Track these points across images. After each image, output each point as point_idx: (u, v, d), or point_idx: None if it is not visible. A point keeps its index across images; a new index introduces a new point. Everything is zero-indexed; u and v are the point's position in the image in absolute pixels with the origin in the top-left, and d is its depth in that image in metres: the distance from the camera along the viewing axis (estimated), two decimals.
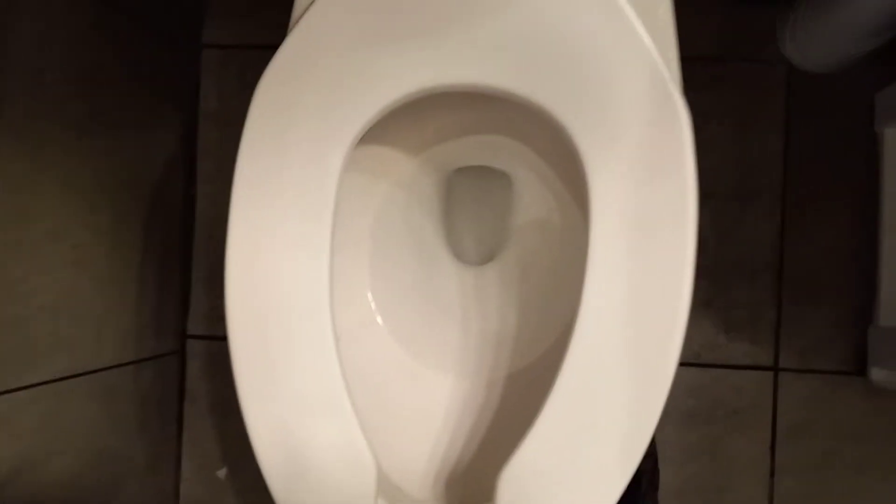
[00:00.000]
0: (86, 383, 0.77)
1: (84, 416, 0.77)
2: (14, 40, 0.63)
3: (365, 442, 0.55)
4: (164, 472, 0.96)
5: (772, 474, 0.91)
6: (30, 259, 0.67)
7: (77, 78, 0.73)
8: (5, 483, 0.65)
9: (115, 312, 0.82)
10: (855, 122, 0.90)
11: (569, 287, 0.57)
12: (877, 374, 0.86)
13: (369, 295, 0.70)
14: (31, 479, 0.69)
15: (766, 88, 0.93)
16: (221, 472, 0.99)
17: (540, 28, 0.53)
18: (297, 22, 0.56)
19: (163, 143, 0.93)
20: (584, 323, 0.53)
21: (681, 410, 0.93)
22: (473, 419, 0.66)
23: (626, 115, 0.53)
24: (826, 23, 0.87)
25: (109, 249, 0.80)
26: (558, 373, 0.54)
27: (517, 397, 0.65)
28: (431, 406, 0.67)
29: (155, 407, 0.93)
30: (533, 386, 0.61)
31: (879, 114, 0.87)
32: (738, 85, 0.93)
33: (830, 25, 0.87)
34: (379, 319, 0.71)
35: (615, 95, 0.53)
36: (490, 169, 0.74)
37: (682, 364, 0.91)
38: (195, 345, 1.01)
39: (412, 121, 0.68)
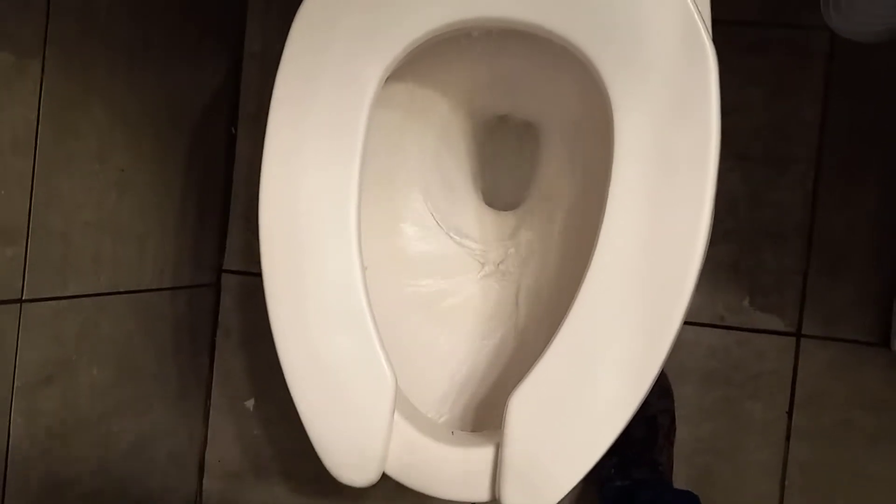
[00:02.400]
0: (125, 301, 0.81)
1: (121, 332, 0.81)
2: None
3: (384, 357, 0.57)
4: (193, 398, 1.00)
5: (787, 438, 0.91)
6: (77, 175, 0.71)
7: (128, 4, 0.75)
8: (44, 383, 0.69)
9: (155, 238, 0.86)
10: (894, 95, 0.89)
11: (588, 233, 0.58)
12: None
13: (401, 226, 0.72)
14: (67, 383, 0.73)
15: (806, 55, 0.91)
16: (249, 403, 1.03)
17: None
18: None
19: (207, 80, 0.96)
20: (600, 256, 0.55)
21: (701, 371, 0.94)
22: (492, 351, 0.68)
23: (655, 55, 0.54)
24: None
25: (151, 177, 0.84)
26: (572, 303, 0.55)
27: (534, 334, 0.67)
28: (453, 337, 0.69)
29: (188, 334, 0.97)
30: (552, 323, 0.63)
31: None
32: (779, 50, 0.92)
33: None
34: (407, 251, 0.73)
35: (645, 35, 0.54)
36: (518, 118, 0.75)
37: (705, 325, 0.93)
38: (230, 279, 1.04)
39: (446, 62, 0.69)
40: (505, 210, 0.77)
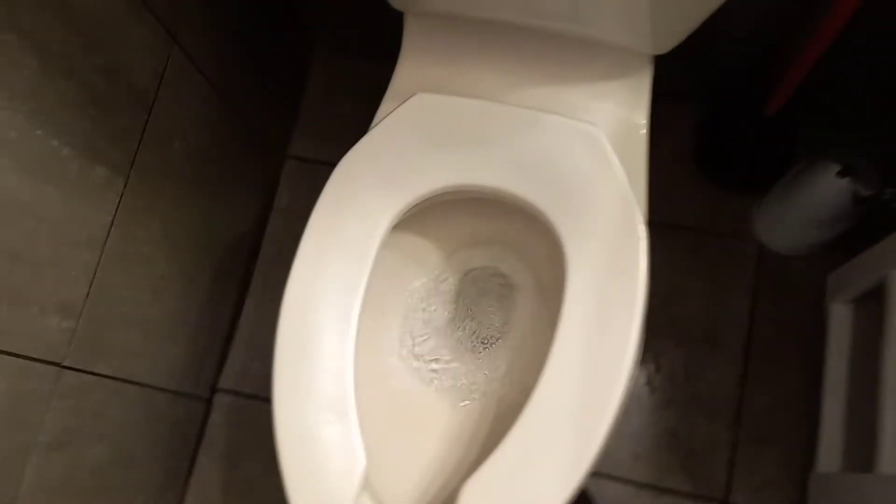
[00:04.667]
0: (136, 392, 0.92)
1: (128, 418, 0.91)
2: (156, 109, 0.86)
3: (360, 443, 0.68)
4: (170, 500, 1.07)
5: None
6: (127, 274, 0.86)
7: (193, 151, 0.95)
8: (57, 447, 0.79)
9: (172, 343, 0.98)
10: (812, 297, 1.07)
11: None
12: None
13: (386, 358, 0.86)
14: (76, 453, 0.82)
15: (739, 259, 1.11)
16: None
17: (543, 154, 0.73)
18: (373, 126, 0.77)
19: (239, 222, 1.13)
20: (546, 378, 0.68)
21: None
22: (459, 454, 0.79)
23: (600, 225, 0.71)
24: (788, 213, 1.07)
25: (181, 289, 0.98)
26: (521, 414, 0.68)
27: (496, 442, 0.78)
28: (426, 442, 0.80)
29: (179, 438, 1.07)
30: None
31: (829, 291, 1.04)
32: (715, 253, 1.12)
33: (791, 215, 1.07)
34: (389, 381, 0.86)
35: (593, 209, 0.72)
36: (497, 272, 0.92)
37: (642, 485, 1.03)
38: (222, 397, 1.15)
39: (442, 222, 0.87)
40: (479, 349, 0.91)
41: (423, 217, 0.81)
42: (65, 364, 0.77)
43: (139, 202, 0.85)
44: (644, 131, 0.77)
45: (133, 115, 0.81)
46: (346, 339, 0.72)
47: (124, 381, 0.89)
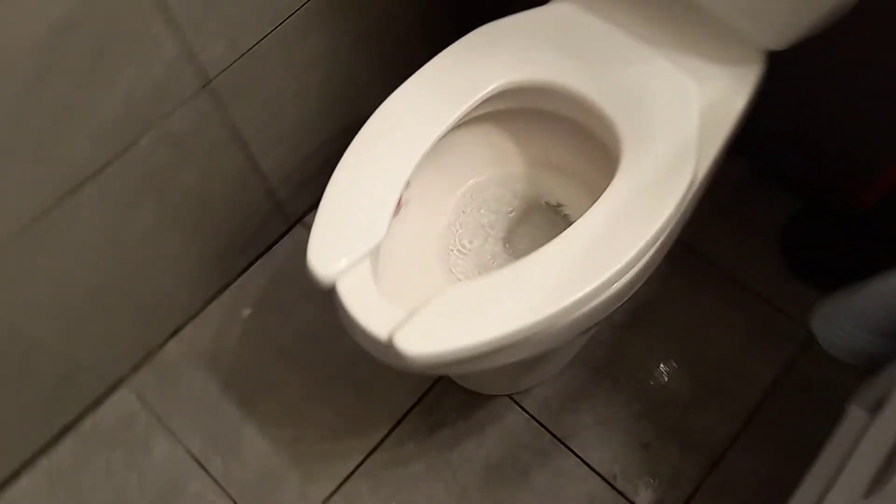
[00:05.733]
0: (244, 158, 1.09)
1: (228, 170, 1.08)
2: None
3: (386, 224, 0.80)
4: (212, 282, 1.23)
5: None
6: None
7: None
8: (166, 141, 0.96)
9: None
10: (837, 395, 1.06)
11: None
12: None
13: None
14: (176, 155, 1.00)
15: (783, 336, 1.12)
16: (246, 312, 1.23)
17: (635, 83, 0.84)
18: None
19: None
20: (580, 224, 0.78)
21: None
22: None
23: (658, 153, 0.80)
24: (852, 313, 1.07)
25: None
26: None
27: None
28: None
29: (251, 235, 1.22)
30: None
31: (857, 396, 1.03)
32: (762, 321, 1.14)
33: (855, 316, 1.07)
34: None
35: (657, 140, 0.80)
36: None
37: (597, 474, 1.05)
38: (302, 232, 1.30)
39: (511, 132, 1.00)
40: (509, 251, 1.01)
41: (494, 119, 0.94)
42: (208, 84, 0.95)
43: None
44: (735, 115, 0.85)
45: None
46: (417, 149, 0.85)
47: (244, 142, 1.06)
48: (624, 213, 0.78)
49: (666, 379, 1.12)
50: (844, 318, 1.08)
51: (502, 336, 0.72)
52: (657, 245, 0.79)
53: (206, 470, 1.11)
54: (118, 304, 1.07)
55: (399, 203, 0.84)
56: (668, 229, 0.79)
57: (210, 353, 1.19)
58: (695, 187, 0.81)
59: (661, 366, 1.13)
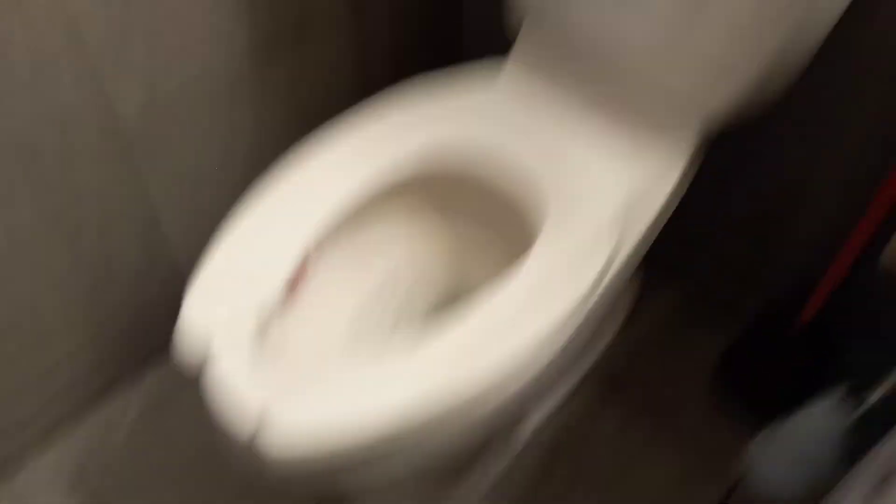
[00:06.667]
0: None
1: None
2: None
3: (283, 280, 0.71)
4: None
5: None
6: None
7: None
8: None
9: None
10: None
11: None
12: None
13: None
14: None
15: (717, 477, 1.03)
16: None
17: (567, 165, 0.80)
18: None
19: None
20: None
21: None
22: None
23: (579, 228, 0.75)
24: (783, 443, 0.98)
25: None
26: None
27: None
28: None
29: None
30: None
31: None
32: (695, 448, 1.06)
33: (785, 447, 0.98)
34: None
35: (580, 213, 0.76)
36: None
37: None
38: None
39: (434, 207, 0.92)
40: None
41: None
42: None
43: None
44: (661, 200, 0.80)
45: None
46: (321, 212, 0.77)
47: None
48: (533, 295, 0.70)
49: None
50: (779, 451, 1.00)
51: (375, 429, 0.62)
52: (563, 340, 0.71)
53: None
54: None
55: (301, 277, 0.75)
56: (585, 311, 0.72)
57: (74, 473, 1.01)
58: (614, 271, 0.74)
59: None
